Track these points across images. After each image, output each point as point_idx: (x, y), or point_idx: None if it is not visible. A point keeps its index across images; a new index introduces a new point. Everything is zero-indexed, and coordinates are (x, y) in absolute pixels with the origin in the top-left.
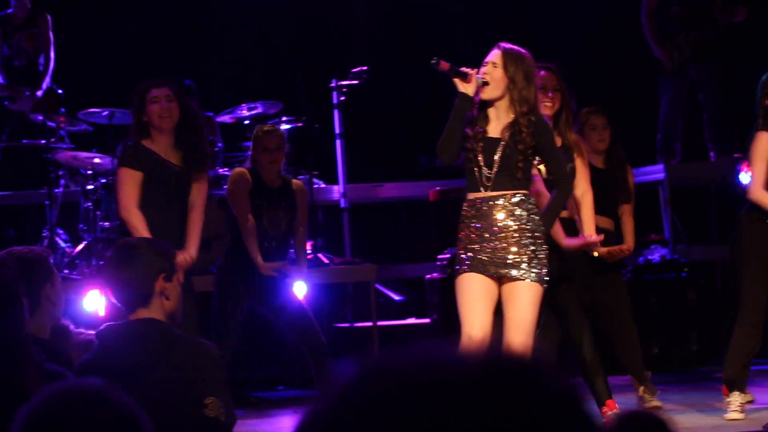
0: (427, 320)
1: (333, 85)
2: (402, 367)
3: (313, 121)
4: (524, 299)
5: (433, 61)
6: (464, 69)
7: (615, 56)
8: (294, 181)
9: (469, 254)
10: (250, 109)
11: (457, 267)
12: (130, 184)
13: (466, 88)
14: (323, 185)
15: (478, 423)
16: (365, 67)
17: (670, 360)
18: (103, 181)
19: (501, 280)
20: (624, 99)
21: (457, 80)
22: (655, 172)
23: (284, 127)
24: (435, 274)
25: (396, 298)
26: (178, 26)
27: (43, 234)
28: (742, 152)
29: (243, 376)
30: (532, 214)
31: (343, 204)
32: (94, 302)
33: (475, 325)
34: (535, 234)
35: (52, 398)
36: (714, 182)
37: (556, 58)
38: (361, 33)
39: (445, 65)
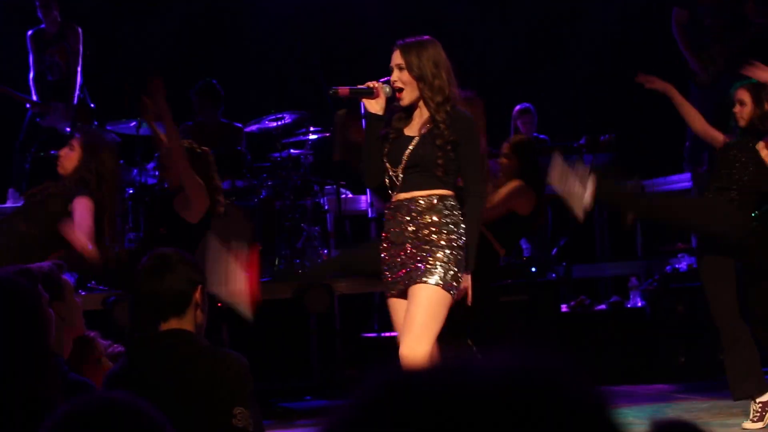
0: None
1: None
2: (426, 375)
3: None
4: (418, 300)
5: (330, 92)
6: (367, 84)
7: (643, 64)
8: None
9: (386, 272)
10: (277, 120)
11: (384, 289)
12: None
13: (373, 106)
14: (350, 195)
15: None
16: (388, 78)
17: (698, 369)
18: (131, 191)
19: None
20: (653, 108)
21: (364, 100)
22: (683, 180)
23: (312, 137)
24: None
25: None
26: (206, 38)
27: None
28: None
29: (270, 386)
30: (452, 215)
31: (370, 214)
32: (122, 313)
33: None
34: (451, 237)
35: (77, 410)
36: None
37: (585, 66)
38: (387, 42)
39: (344, 90)
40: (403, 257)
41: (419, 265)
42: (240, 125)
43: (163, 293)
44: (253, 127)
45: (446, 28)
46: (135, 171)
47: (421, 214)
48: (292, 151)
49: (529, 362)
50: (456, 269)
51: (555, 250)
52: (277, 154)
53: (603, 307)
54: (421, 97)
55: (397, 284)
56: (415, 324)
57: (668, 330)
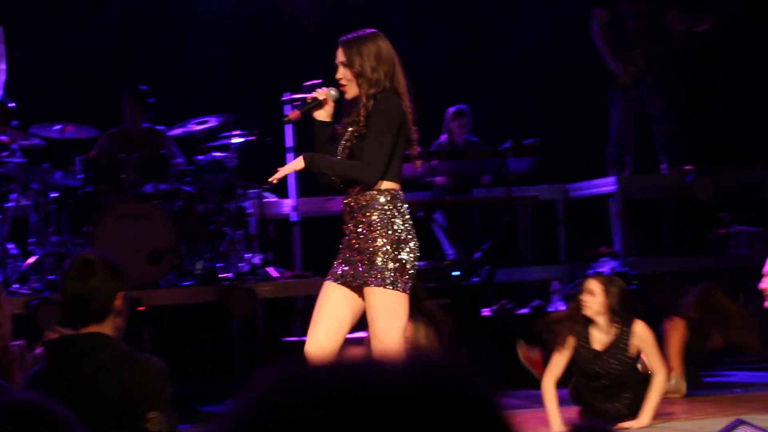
0: None
1: (285, 98)
2: (319, 372)
3: (264, 134)
4: (372, 306)
5: (284, 121)
6: (314, 95)
7: (566, 68)
8: None
9: (336, 261)
10: (201, 123)
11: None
12: None
13: (321, 114)
14: (274, 199)
15: (395, 426)
16: (318, 81)
17: None
18: (55, 195)
19: (361, 288)
20: (575, 111)
21: (314, 113)
22: (607, 184)
23: (236, 140)
24: None
25: None
26: (132, 41)
27: None
28: (694, 164)
29: (192, 390)
30: (388, 210)
31: (293, 218)
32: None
33: (310, 339)
34: (389, 233)
35: None
36: (665, 194)
37: (507, 70)
38: (314, 46)
39: (294, 115)
40: (349, 252)
41: (365, 266)
42: (163, 128)
43: (84, 298)
44: (178, 131)
45: (378, 28)
46: (59, 174)
47: (359, 211)
48: (216, 154)
49: (428, 363)
50: (396, 264)
51: (478, 253)
52: (201, 158)
53: (525, 311)
54: (360, 91)
55: (337, 274)
56: (377, 329)
57: None
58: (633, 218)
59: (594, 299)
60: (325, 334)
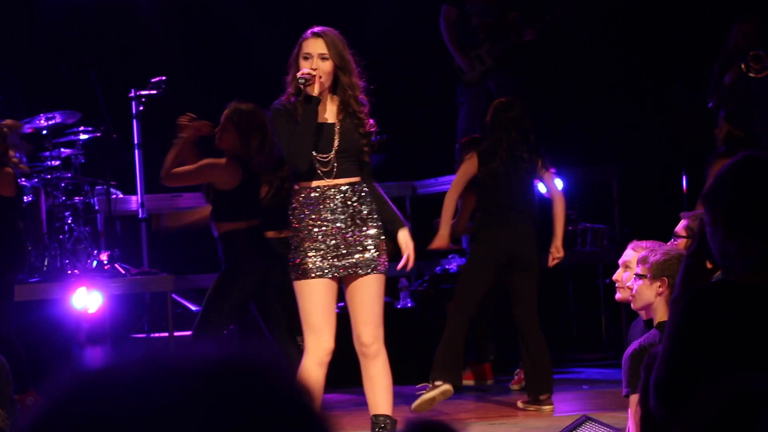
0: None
1: (132, 95)
2: (126, 365)
3: (111, 131)
4: (372, 292)
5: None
6: (306, 71)
7: (414, 64)
8: None
9: (307, 257)
10: (48, 119)
11: (296, 273)
12: None
13: (313, 89)
14: (121, 195)
15: (205, 419)
16: (164, 77)
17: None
18: None
19: (344, 277)
20: (424, 108)
21: (308, 88)
22: None
23: (83, 137)
24: None
25: (193, 308)
26: None
27: None
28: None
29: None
30: (372, 201)
31: (141, 214)
32: None
33: (324, 338)
34: (378, 223)
35: None
36: None
37: (359, 66)
38: (161, 43)
39: (312, 88)
40: (339, 241)
41: (365, 255)
42: None
43: None
44: (25, 127)
45: (224, 28)
46: None
47: (355, 202)
48: (63, 150)
49: (233, 355)
50: (383, 250)
51: None
52: (47, 154)
53: None
54: (340, 86)
55: (332, 268)
56: (375, 314)
57: (438, 330)
58: None
59: None
60: (334, 328)
